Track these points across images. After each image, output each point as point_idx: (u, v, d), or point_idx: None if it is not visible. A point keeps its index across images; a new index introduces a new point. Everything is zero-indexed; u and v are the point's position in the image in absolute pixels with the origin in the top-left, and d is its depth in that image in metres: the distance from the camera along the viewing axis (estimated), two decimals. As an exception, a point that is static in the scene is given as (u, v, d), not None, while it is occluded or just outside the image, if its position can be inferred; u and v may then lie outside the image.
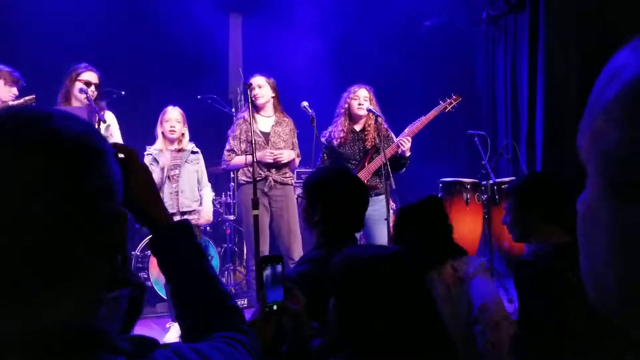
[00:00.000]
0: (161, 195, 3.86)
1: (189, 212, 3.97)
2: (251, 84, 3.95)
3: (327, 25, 5.79)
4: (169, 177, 3.94)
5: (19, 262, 0.58)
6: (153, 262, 4.42)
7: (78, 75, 3.71)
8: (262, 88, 4.08)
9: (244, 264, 5.10)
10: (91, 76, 3.74)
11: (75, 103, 3.72)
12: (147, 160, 3.96)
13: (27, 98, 3.42)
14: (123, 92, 4.11)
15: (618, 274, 0.41)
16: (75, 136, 0.63)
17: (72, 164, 0.61)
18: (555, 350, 1.82)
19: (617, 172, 0.40)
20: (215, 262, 4.85)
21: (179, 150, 4.02)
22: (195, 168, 4.06)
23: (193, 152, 4.08)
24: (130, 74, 5.30)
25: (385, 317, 1.27)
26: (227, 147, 4.14)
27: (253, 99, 4.01)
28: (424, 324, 1.30)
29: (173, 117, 3.97)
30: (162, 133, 3.99)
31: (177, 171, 3.98)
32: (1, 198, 0.57)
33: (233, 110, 5.81)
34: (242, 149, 4.07)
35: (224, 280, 4.92)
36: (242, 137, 4.07)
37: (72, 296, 0.62)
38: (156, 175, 3.85)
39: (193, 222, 3.93)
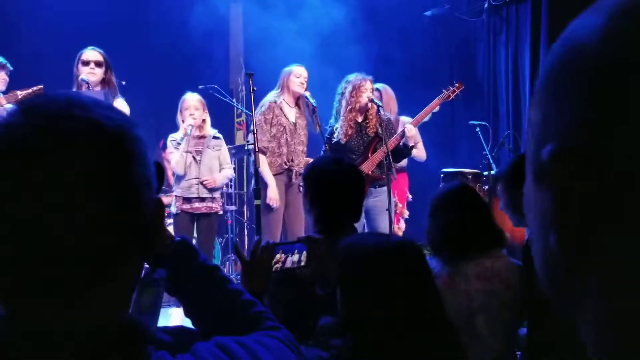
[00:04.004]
0: (185, 179, 3.92)
1: (209, 199, 3.98)
2: (301, 75, 4.00)
3: (328, 14, 5.76)
4: (194, 159, 3.96)
5: (65, 260, 0.55)
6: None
7: (80, 56, 3.50)
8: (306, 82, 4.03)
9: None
10: (90, 54, 3.50)
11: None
12: (171, 145, 4.02)
13: (34, 88, 3.31)
14: (124, 82, 4.08)
15: (539, 255, 0.41)
16: (117, 127, 0.59)
17: (117, 156, 0.58)
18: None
19: (533, 154, 0.39)
20: (217, 253, 4.86)
21: (201, 137, 4.03)
22: (217, 154, 4.07)
23: (215, 138, 4.08)
24: (131, 64, 5.27)
25: (386, 308, 1.26)
26: (260, 133, 3.76)
27: (300, 87, 3.98)
28: (426, 315, 1.29)
29: (192, 105, 3.97)
30: (183, 121, 3.98)
31: (199, 157, 3.98)
32: (46, 195, 0.53)
33: (234, 100, 5.79)
34: (272, 133, 3.95)
35: (225, 270, 4.92)
36: (273, 121, 3.96)
37: (116, 292, 0.60)
38: (180, 160, 3.92)
39: (206, 210, 3.98)
